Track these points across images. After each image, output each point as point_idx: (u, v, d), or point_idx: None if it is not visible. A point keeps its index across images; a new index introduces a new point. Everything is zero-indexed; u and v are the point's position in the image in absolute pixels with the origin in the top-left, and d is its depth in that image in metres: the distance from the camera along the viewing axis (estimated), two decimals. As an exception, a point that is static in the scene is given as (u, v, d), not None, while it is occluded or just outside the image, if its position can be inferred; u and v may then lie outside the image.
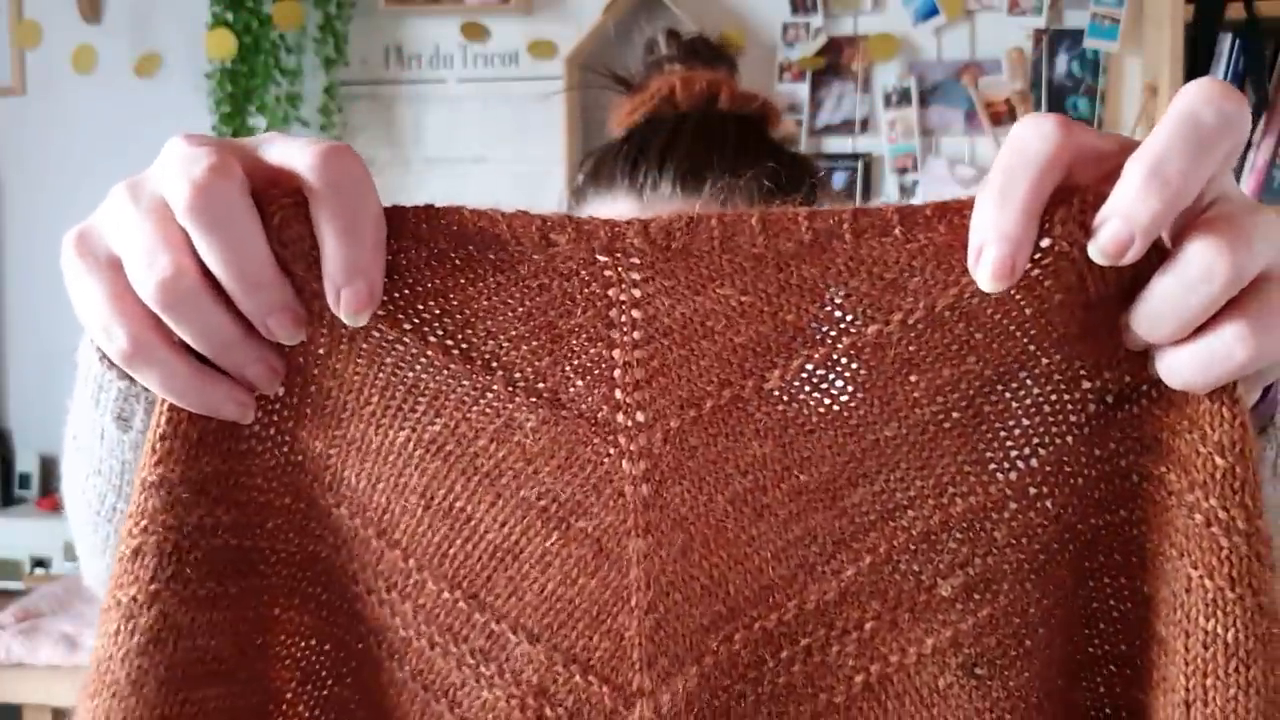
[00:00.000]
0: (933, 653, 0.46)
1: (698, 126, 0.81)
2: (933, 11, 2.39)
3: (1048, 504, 0.45)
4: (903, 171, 2.41)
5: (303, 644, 0.51)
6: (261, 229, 0.41)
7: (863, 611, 0.46)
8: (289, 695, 0.51)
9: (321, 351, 0.45)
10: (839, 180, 2.37)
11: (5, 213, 2.72)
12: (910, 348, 0.43)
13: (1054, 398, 0.44)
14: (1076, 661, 0.48)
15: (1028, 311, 0.42)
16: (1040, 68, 2.36)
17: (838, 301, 0.43)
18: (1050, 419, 0.44)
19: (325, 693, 0.52)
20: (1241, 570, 0.40)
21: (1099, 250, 0.39)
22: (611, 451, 0.45)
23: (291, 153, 0.42)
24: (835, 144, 2.44)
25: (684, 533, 0.46)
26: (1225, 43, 2.12)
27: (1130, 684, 0.47)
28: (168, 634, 0.44)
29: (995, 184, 0.39)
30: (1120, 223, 0.38)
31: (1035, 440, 0.45)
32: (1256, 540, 0.40)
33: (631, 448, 0.45)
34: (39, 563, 2.49)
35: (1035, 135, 0.39)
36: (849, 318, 0.43)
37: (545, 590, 0.47)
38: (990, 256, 0.39)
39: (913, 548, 0.46)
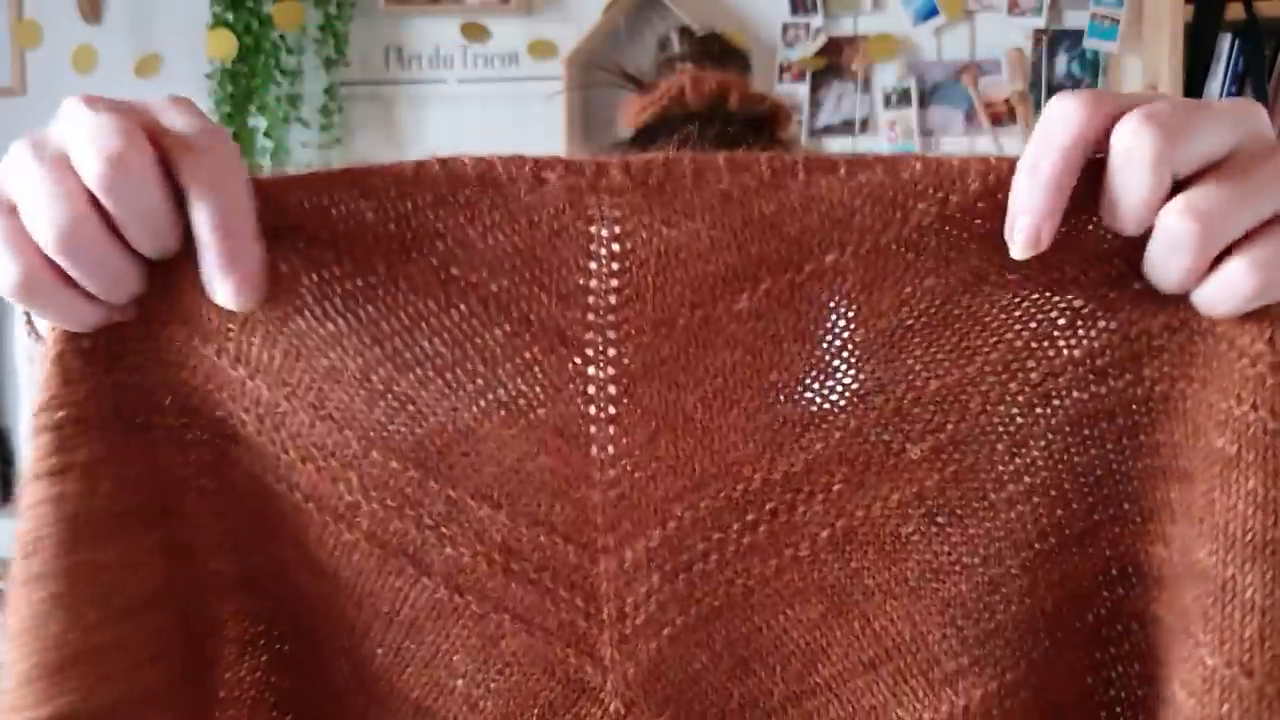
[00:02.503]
0: (898, 506, 0.49)
1: (705, 127, 0.81)
2: (933, 11, 2.39)
3: (1030, 373, 0.48)
4: (903, 171, 2.41)
5: (227, 515, 0.51)
6: (171, 203, 0.43)
7: (830, 477, 0.49)
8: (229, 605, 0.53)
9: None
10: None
11: (5, 213, 2.71)
12: (866, 273, 0.47)
13: (1033, 296, 0.48)
14: (1075, 528, 0.50)
15: (974, 247, 0.47)
16: (1040, 68, 2.36)
17: (794, 236, 0.47)
18: (1032, 310, 0.48)
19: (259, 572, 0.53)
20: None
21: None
22: (577, 359, 0.49)
23: (179, 127, 0.44)
24: (835, 144, 2.44)
25: (652, 422, 0.49)
26: (1225, 43, 2.12)
27: (1139, 538, 0.49)
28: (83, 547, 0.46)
29: (1026, 161, 0.44)
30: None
31: (1017, 326, 0.48)
32: None
33: (600, 357, 0.49)
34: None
35: (1059, 116, 0.43)
36: (810, 249, 0.47)
37: (503, 465, 0.49)
38: (1019, 226, 0.44)
39: (884, 421, 0.49)
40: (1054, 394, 0.48)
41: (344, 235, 0.47)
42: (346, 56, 2.53)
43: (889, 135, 2.41)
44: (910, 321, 0.48)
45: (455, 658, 0.51)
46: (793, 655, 0.51)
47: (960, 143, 2.40)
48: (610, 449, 0.49)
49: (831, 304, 0.48)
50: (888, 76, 2.42)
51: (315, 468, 0.50)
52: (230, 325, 0.48)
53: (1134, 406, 0.47)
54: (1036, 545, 0.49)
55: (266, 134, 2.52)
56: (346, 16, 2.52)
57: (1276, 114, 2.12)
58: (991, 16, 2.38)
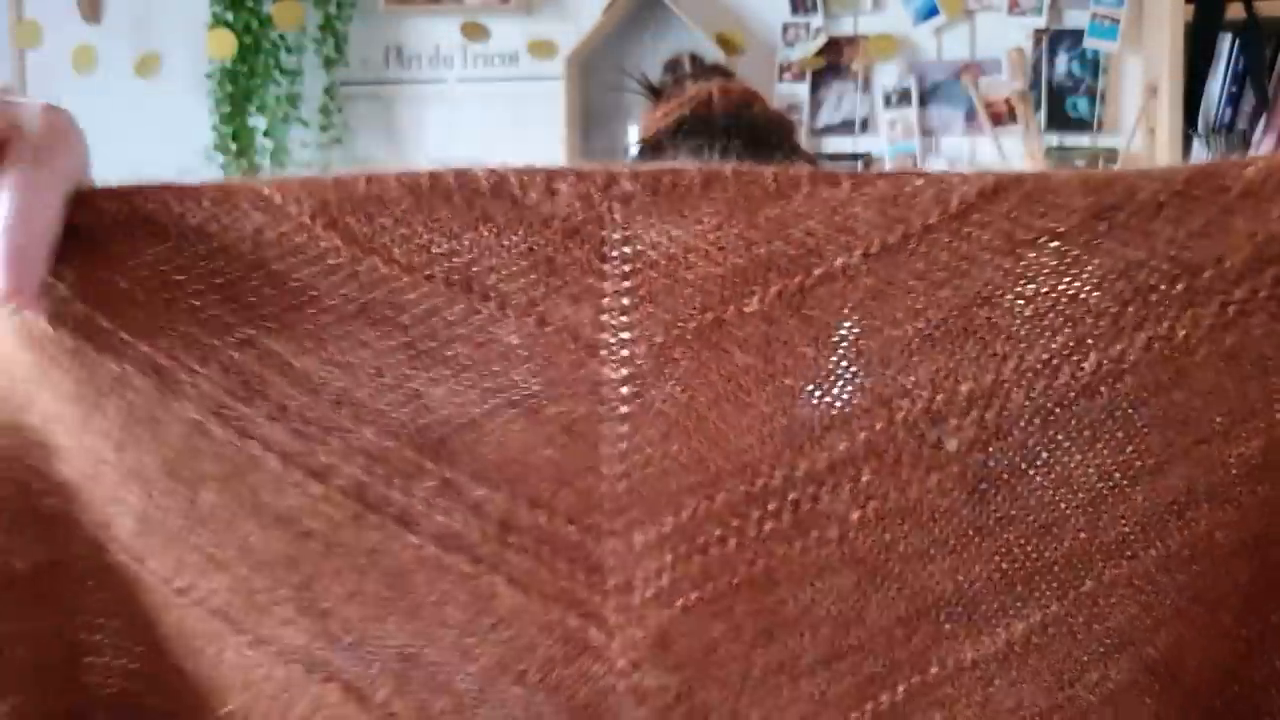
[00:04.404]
0: (937, 485, 0.49)
1: (735, 126, 0.87)
2: (933, 11, 2.39)
3: (1068, 375, 0.47)
4: (903, 171, 2.41)
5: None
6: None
7: (858, 470, 0.49)
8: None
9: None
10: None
11: (5, 213, 2.71)
12: (876, 281, 0.48)
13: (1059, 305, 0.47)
14: (1147, 463, 0.49)
15: (986, 257, 0.47)
16: (1040, 68, 2.36)
17: (800, 239, 0.48)
18: (1059, 321, 0.48)
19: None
20: None
21: None
22: (591, 360, 0.49)
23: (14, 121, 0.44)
24: (835, 144, 2.44)
25: (664, 421, 0.49)
26: (1225, 43, 2.12)
27: (1215, 464, 0.49)
28: None
29: None
30: None
31: (1044, 338, 0.48)
32: None
33: (613, 358, 0.49)
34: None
35: None
36: (817, 253, 0.48)
37: (506, 455, 0.49)
38: None
39: (913, 421, 0.48)
40: (1098, 387, 0.48)
41: (364, 241, 0.48)
42: (346, 56, 2.53)
43: (889, 135, 2.41)
44: (929, 331, 0.48)
45: (445, 611, 0.50)
46: (822, 623, 0.50)
47: (960, 143, 2.40)
48: (622, 445, 0.49)
49: (845, 310, 0.48)
50: (888, 76, 2.42)
51: (288, 428, 0.49)
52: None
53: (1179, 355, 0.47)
54: (1097, 485, 0.49)
55: (266, 134, 2.51)
56: (346, 16, 2.52)
57: (1276, 114, 2.12)
58: (991, 16, 2.38)
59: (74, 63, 2.55)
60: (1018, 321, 0.48)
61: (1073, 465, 0.48)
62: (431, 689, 0.51)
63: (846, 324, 0.49)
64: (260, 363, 0.49)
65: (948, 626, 0.50)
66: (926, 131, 2.41)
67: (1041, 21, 2.35)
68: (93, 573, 0.52)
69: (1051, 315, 0.47)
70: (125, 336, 0.48)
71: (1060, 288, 0.47)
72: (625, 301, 0.49)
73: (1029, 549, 0.49)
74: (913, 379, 0.48)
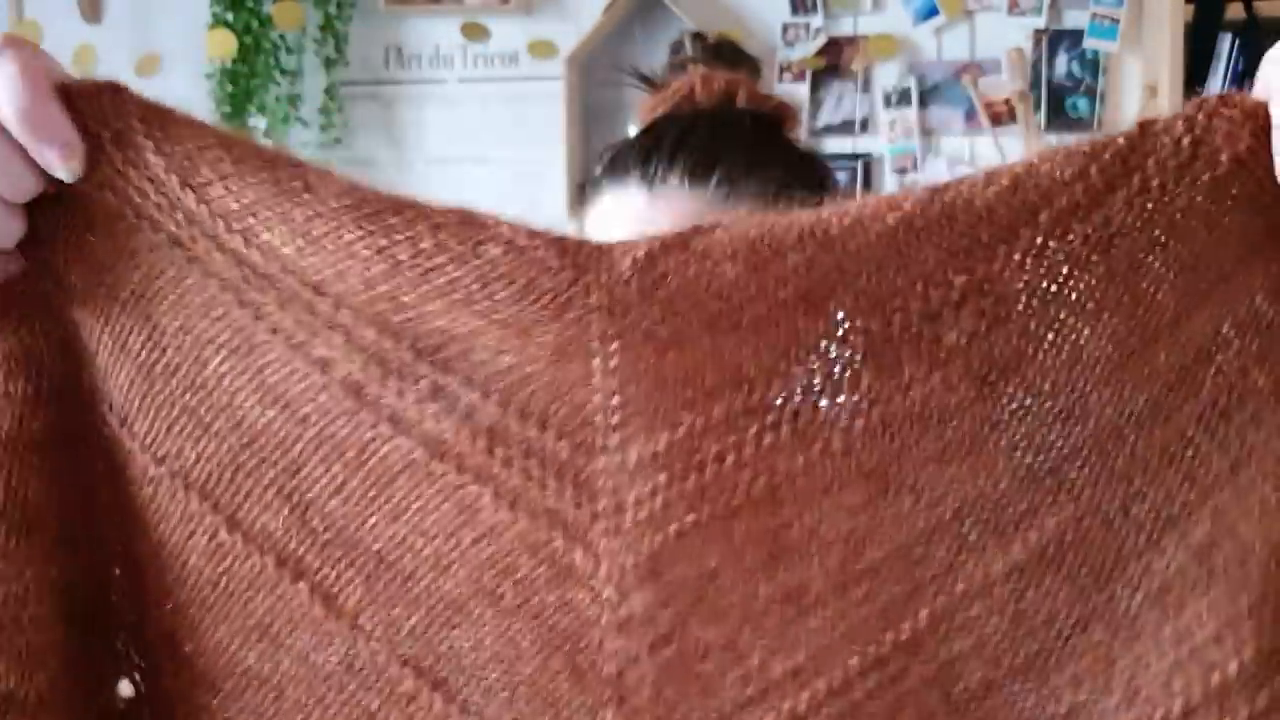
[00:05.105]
0: (941, 382, 0.46)
1: (711, 121, 0.83)
2: (933, 11, 2.38)
3: (1071, 238, 0.45)
4: (903, 172, 2.41)
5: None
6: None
7: (857, 374, 0.47)
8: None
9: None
10: (839, 180, 2.37)
11: (5, 213, 2.71)
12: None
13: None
14: (1165, 317, 0.47)
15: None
16: (1040, 68, 2.36)
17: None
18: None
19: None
20: None
21: None
22: (583, 278, 0.47)
23: None
24: (835, 144, 2.43)
25: (658, 338, 0.47)
26: (1225, 43, 2.12)
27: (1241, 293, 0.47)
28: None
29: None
30: None
31: (1030, 208, 0.46)
32: None
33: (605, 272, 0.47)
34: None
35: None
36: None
37: (500, 366, 0.48)
38: None
39: (909, 318, 0.46)
40: (1090, 258, 0.46)
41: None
42: (346, 56, 2.53)
43: (889, 135, 2.41)
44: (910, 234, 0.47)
45: (428, 519, 0.48)
46: (832, 545, 0.47)
47: (960, 143, 2.40)
48: (613, 362, 0.47)
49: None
50: (888, 76, 2.41)
51: (295, 319, 0.49)
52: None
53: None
54: (1114, 355, 0.46)
55: (266, 134, 2.51)
56: (346, 16, 2.52)
57: (1276, 114, 2.12)
58: (991, 16, 2.38)
59: (74, 63, 2.55)
60: (1000, 211, 0.45)
61: (1083, 340, 0.46)
62: (403, 602, 0.49)
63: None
64: (265, 258, 0.48)
65: (972, 537, 0.46)
66: (926, 132, 2.40)
67: (1041, 21, 2.35)
68: (82, 441, 0.52)
69: (1031, 198, 0.45)
70: (159, 208, 0.49)
71: (1031, 173, 0.45)
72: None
73: (1052, 436, 0.46)
74: (902, 279, 0.46)
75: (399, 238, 0.47)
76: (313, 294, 0.49)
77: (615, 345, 0.47)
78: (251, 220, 0.48)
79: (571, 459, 0.47)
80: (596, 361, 0.47)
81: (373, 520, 0.49)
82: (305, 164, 0.49)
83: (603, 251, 0.47)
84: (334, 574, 0.49)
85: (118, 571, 0.53)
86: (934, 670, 0.47)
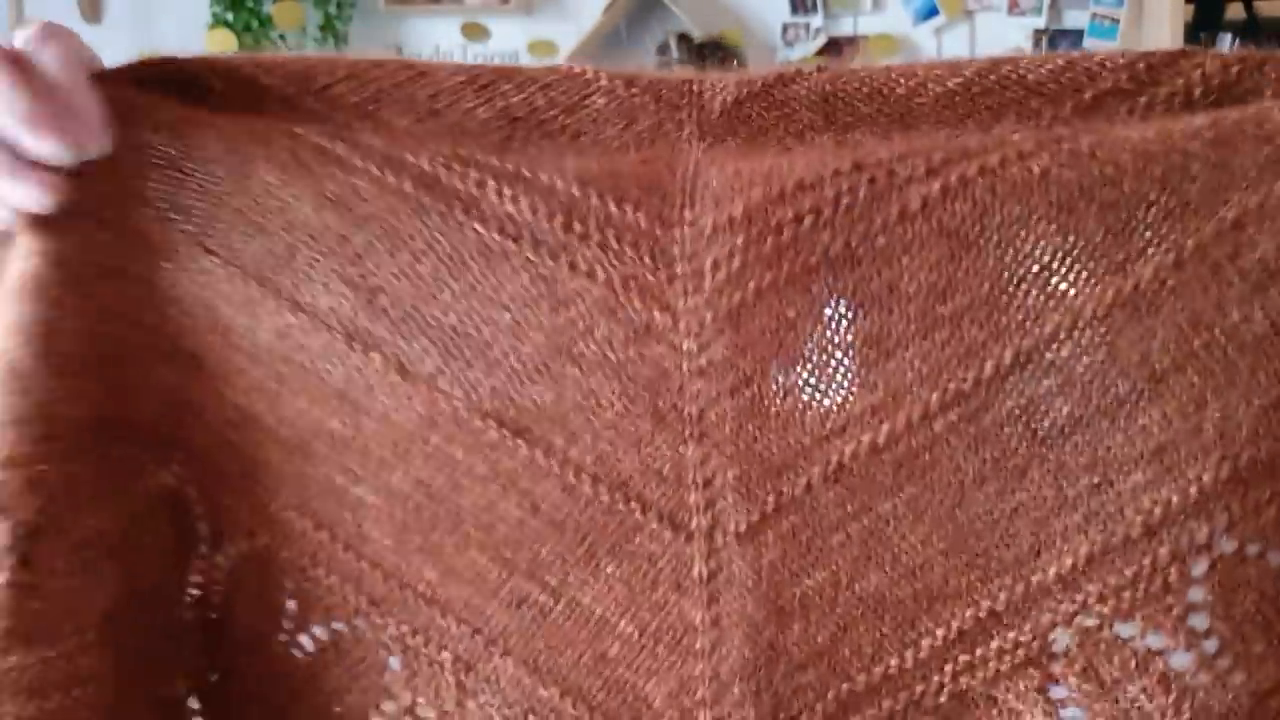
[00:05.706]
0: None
1: None
2: (933, 11, 2.39)
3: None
4: (903, 171, 2.41)
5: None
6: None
7: (934, 141, 0.49)
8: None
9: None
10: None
11: (5, 213, 2.72)
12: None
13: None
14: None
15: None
16: (1040, 68, 2.36)
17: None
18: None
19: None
20: None
21: None
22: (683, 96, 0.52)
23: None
24: (835, 144, 2.44)
25: (737, 136, 0.51)
26: (1225, 43, 2.12)
27: None
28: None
29: None
30: None
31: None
32: None
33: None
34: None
35: None
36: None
37: (579, 152, 0.51)
38: None
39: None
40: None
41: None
42: (346, 56, 2.53)
43: (889, 135, 2.42)
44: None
45: (503, 292, 0.50)
46: (913, 296, 0.48)
47: (960, 143, 2.40)
48: (695, 156, 0.50)
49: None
50: (888, 76, 2.42)
51: (372, 123, 0.51)
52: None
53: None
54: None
55: (266, 134, 2.52)
56: (346, 16, 2.52)
57: (1276, 114, 2.12)
58: (991, 16, 2.38)
59: (74, 63, 2.55)
60: (1050, 85, 0.49)
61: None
62: (481, 367, 0.50)
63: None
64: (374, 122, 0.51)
65: (1057, 283, 0.47)
66: (926, 131, 2.41)
67: (1041, 21, 2.35)
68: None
69: (1080, 78, 0.48)
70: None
71: (1084, 58, 0.49)
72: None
73: (1151, 195, 0.46)
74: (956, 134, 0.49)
75: (515, 99, 0.51)
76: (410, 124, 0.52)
77: (700, 147, 0.50)
78: (372, 107, 0.51)
79: (650, 229, 0.49)
80: (679, 156, 0.50)
81: (445, 297, 0.50)
82: (410, 58, 0.52)
83: (696, 93, 0.51)
84: (406, 345, 0.51)
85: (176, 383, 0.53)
86: (1018, 406, 0.48)
